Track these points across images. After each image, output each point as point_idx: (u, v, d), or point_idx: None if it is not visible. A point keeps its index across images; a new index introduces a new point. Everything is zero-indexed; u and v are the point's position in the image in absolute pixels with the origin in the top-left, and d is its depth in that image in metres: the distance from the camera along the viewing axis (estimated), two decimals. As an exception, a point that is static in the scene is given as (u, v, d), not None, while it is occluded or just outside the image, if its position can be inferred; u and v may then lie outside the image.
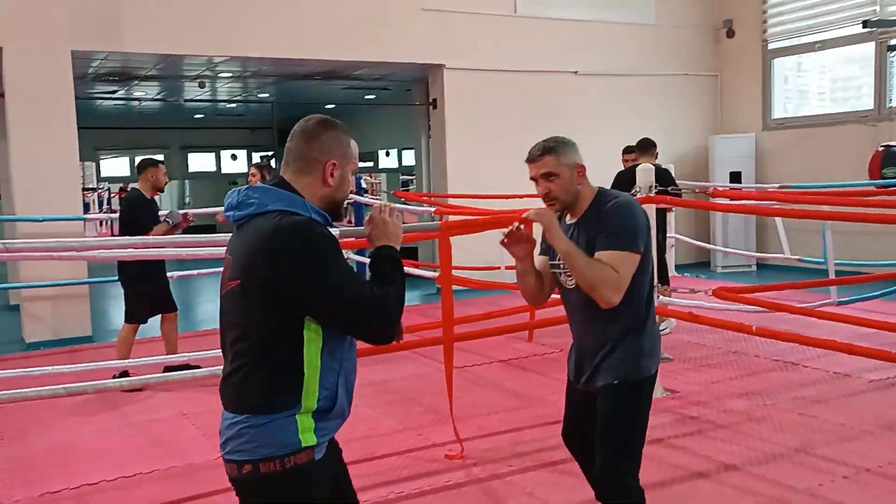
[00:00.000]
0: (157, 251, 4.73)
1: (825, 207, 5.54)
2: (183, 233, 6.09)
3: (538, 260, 2.80)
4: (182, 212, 6.16)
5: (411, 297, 8.36)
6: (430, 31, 9.65)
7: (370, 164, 21.23)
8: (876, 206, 5.27)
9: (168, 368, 5.74)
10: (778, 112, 11.37)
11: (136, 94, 12.95)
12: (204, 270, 8.61)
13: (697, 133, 11.67)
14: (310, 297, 1.89)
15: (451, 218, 7.29)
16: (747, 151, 11.22)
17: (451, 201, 9.25)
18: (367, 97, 14.38)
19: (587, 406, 2.70)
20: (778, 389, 5.33)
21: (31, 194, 7.61)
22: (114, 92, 12.40)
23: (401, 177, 20.54)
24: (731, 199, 7.58)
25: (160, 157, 9.99)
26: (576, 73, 10.62)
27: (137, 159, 20.98)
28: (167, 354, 6.03)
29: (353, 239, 3.70)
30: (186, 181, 20.56)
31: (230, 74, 11.32)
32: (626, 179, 6.22)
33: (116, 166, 21.00)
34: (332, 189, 2.04)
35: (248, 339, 1.94)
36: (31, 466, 4.39)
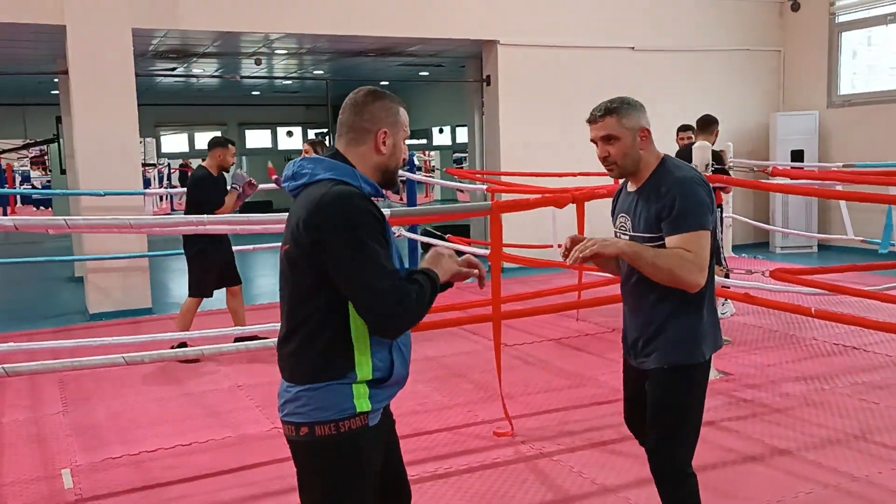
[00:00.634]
0: (211, 228, 4.82)
1: (892, 189, 5.34)
2: (242, 207, 6.10)
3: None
4: (246, 177, 6.14)
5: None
6: (484, 6, 9.56)
7: (423, 141, 21.25)
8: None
9: (238, 339, 5.83)
10: (845, 88, 10.97)
11: (195, 70, 13.15)
12: (261, 245, 8.77)
13: (758, 110, 11.35)
14: (335, 267, 1.90)
15: (504, 196, 7.27)
16: (810, 129, 10.88)
17: (503, 179, 9.20)
18: (420, 74, 14.35)
19: (642, 385, 2.61)
20: (837, 374, 5.20)
21: (93, 169, 7.82)
22: (173, 69, 12.61)
23: (453, 154, 20.52)
24: (791, 179, 7.37)
25: (218, 134, 10.19)
26: (633, 48, 10.41)
27: (196, 136, 21.42)
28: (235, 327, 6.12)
29: (402, 217, 3.70)
30: (244, 157, 20.90)
31: (286, 51, 11.40)
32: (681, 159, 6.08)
33: (176, 142, 21.44)
34: (385, 157, 2.07)
35: (298, 307, 1.99)
36: (94, 433, 4.55)
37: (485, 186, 7.46)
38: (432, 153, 23.21)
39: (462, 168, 15.74)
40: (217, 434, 4.43)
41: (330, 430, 1.95)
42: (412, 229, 8.24)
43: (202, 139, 18.59)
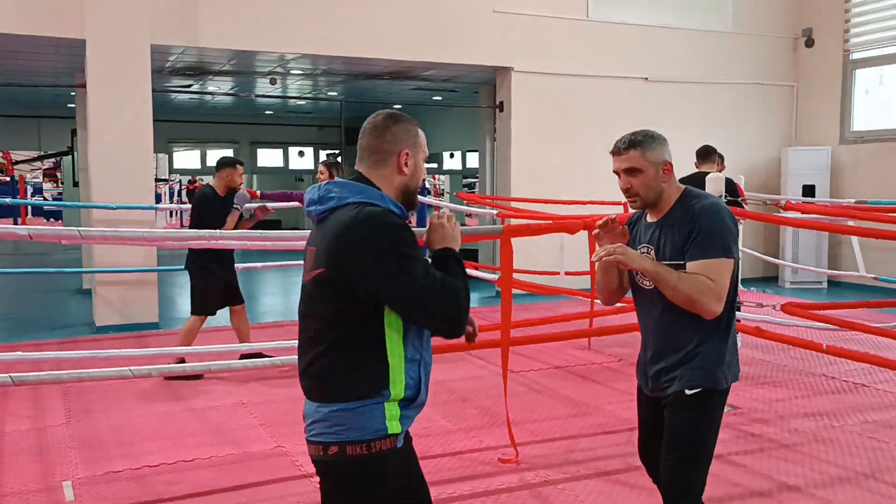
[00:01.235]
0: (223, 242, 4.83)
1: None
2: (255, 226, 6.14)
3: None
4: (258, 204, 6.17)
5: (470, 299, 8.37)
6: (499, 33, 9.63)
7: (434, 165, 21.33)
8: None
9: (243, 356, 5.82)
10: (857, 125, 10.98)
11: (210, 88, 13.27)
12: (270, 263, 8.78)
13: (771, 144, 11.36)
14: (385, 286, 1.94)
15: (514, 221, 7.27)
16: (822, 164, 10.87)
17: (513, 204, 9.21)
18: (434, 98, 14.44)
19: (660, 415, 2.58)
20: (846, 411, 5.14)
21: (106, 182, 7.87)
22: (189, 86, 12.73)
23: (463, 179, 20.58)
24: (803, 213, 7.35)
25: (230, 152, 10.25)
26: (646, 79, 10.46)
27: (209, 153, 21.54)
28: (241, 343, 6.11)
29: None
30: (254, 175, 21.01)
31: (301, 72, 11.51)
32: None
33: (188, 159, 21.58)
34: (407, 177, 2.13)
35: (329, 328, 2.00)
36: (96, 445, 4.53)
37: (495, 211, 7.48)
38: (442, 177, 23.30)
39: (473, 193, 15.79)
40: (220, 451, 4.40)
41: (361, 449, 1.97)
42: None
43: (214, 156, 18.71)
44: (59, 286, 10.89)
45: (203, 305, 6.07)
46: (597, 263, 2.61)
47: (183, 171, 22.51)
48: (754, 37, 11.10)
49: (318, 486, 2.10)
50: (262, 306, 9.52)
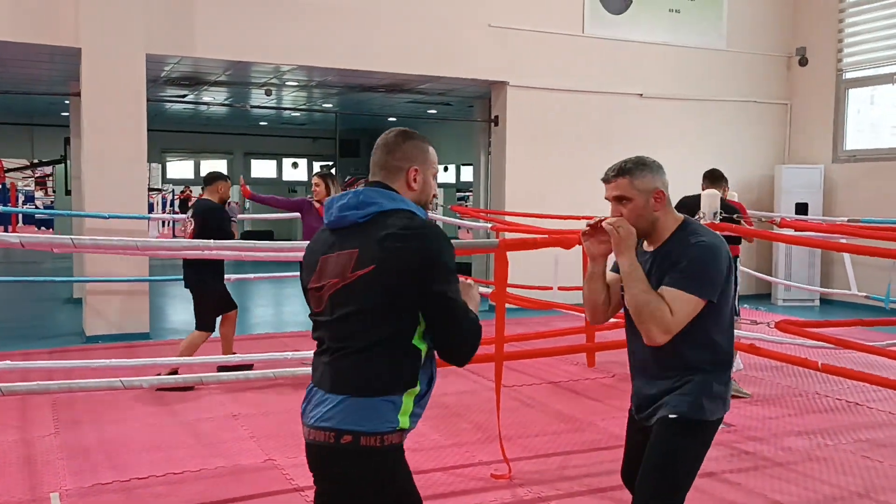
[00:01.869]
0: (216, 252, 4.80)
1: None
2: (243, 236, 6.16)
3: (609, 276, 2.62)
4: (237, 210, 6.26)
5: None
6: (495, 48, 9.66)
7: (428, 178, 21.30)
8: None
9: (222, 368, 5.80)
10: (850, 144, 11.05)
11: (205, 98, 13.25)
12: (262, 275, 8.74)
13: (764, 161, 11.42)
14: (433, 296, 2.02)
15: (508, 235, 7.26)
16: (815, 183, 10.92)
17: (507, 218, 9.20)
18: (429, 111, 14.46)
19: (646, 442, 2.52)
20: (840, 430, 5.13)
21: (99, 191, 7.82)
22: (183, 96, 12.71)
23: (457, 192, 20.59)
24: (797, 231, 7.37)
25: (223, 163, 10.23)
26: (640, 95, 10.50)
27: (202, 163, 21.48)
28: (223, 354, 6.09)
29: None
30: (248, 187, 20.94)
31: (296, 83, 11.50)
32: (687, 207, 6.08)
33: (181, 169, 21.52)
34: (416, 192, 2.20)
35: (375, 326, 2.04)
36: (84, 456, 4.47)
37: (489, 225, 7.47)
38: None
39: (466, 206, 15.78)
40: (210, 464, 4.35)
41: (375, 441, 2.02)
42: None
43: (207, 167, 18.66)
44: (49, 295, 10.82)
45: (211, 323, 6.06)
46: (588, 271, 2.60)
47: (176, 181, 22.43)
48: (748, 55, 11.17)
49: (307, 501, 2.08)
50: (253, 317, 9.47)
